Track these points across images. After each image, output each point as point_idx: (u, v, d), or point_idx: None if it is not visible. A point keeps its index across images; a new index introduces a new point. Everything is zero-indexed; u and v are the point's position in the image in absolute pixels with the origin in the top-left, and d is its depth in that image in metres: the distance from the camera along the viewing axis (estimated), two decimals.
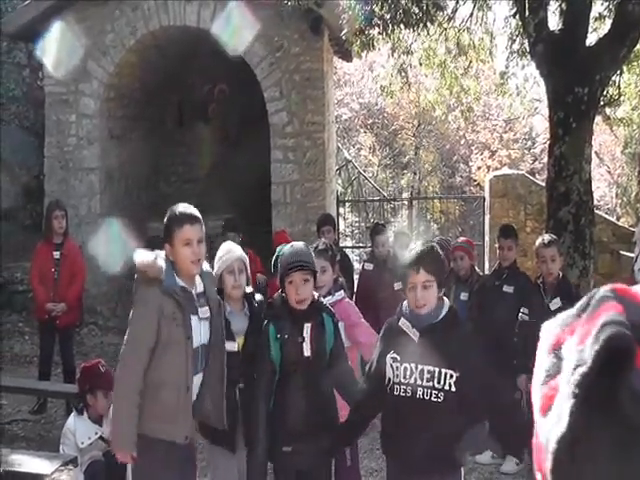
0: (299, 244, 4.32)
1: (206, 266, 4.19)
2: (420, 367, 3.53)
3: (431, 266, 3.56)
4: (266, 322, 4.11)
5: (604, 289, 0.84)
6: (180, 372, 3.94)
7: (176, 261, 3.97)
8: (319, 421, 4.02)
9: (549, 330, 0.86)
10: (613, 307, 0.80)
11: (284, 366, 4.01)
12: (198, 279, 4.09)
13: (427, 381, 3.52)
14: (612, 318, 0.78)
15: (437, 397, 3.50)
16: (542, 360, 0.85)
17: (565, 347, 0.82)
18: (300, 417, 3.98)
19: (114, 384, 3.99)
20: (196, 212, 4.06)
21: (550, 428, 0.78)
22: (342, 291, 5.00)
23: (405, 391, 3.58)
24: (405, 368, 3.58)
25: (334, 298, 4.84)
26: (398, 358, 3.61)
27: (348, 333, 4.76)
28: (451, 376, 3.48)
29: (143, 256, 3.96)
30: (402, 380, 3.59)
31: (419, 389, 3.54)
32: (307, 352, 3.98)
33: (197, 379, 4.02)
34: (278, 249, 4.58)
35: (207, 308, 4.06)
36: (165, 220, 4.06)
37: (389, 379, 3.65)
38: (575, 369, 0.77)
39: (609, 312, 0.79)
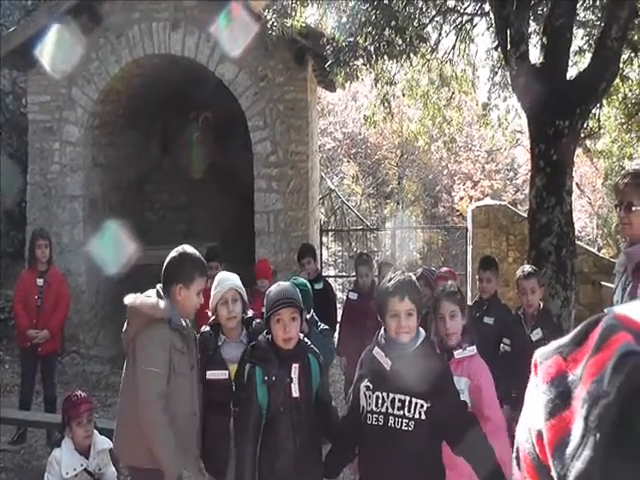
0: (285, 283, 4.23)
1: None
2: (392, 395, 3.53)
3: (414, 296, 3.59)
4: (251, 365, 3.98)
5: (608, 317, 0.80)
6: (187, 400, 4.15)
7: (182, 303, 4.15)
8: (307, 463, 3.95)
9: (545, 360, 0.82)
10: (625, 337, 0.76)
11: (272, 408, 3.91)
12: None
13: (398, 409, 3.50)
14: (631, 348, 0.75)
15: (407, 425, 3.48)
16: (542, 389, 0.80)
17: (572, 377, 0.78)
18: (289, 459, 3.89)
19: (146, 427, 4.00)
20: None
21: (567, 463, 0.73)
22: (474, 347, 4.33)
23: (377, 420, 3.57)
24: (377, 397, 3.57)
25: (465, 353, 4.27)
26: (371, 387, 3.61)
27: (472, 396, 4.18)
28: (422, 406, 3.46)
29: (142, 299, 4.09)
30: (374, 409, 3.58)
31: (390, 417, 3.52)
32: (295, 393, 3.90)
33: None
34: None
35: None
36: (183, 263, 4.18)
37: (363, 408, 3.64)
38: (594, 402, 0.73)
39: (623, 342, 0.76)
